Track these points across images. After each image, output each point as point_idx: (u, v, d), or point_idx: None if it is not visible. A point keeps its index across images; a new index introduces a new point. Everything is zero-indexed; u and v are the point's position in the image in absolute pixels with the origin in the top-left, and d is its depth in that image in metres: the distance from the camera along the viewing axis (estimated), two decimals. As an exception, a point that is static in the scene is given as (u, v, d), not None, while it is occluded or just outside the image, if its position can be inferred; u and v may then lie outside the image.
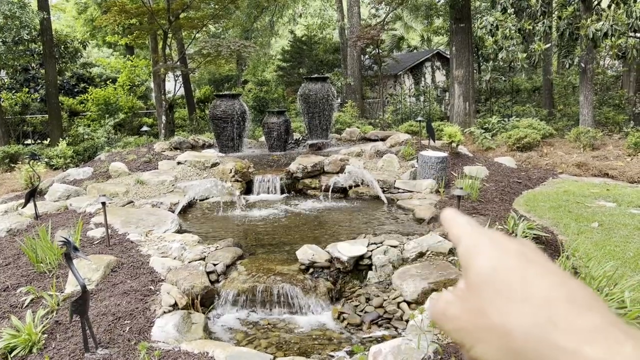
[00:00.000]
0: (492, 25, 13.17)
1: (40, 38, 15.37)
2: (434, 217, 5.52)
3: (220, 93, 9.96)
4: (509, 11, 13.46)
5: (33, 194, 6.25)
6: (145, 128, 9.66)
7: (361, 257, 4.62)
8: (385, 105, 19.97)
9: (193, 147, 10.67)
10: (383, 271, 4.54)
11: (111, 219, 5.90)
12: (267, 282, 4.29)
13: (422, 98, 23.26)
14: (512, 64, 13.68)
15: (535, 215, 6.34)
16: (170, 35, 15.20)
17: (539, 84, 23.57)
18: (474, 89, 16.82)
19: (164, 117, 15.59)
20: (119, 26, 17.09)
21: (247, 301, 4.24)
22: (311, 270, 4.50)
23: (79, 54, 22.21)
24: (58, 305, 4.03)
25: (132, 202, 6.80)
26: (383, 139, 10.58)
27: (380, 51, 18.44)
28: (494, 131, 12.68)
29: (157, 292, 4.14)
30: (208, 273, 4.45)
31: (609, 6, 11.36)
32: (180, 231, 5.80)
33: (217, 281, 4.44)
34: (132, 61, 20.65)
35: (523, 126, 11.95)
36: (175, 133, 15.34)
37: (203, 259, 4.68)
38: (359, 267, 4.64)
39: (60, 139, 9.65)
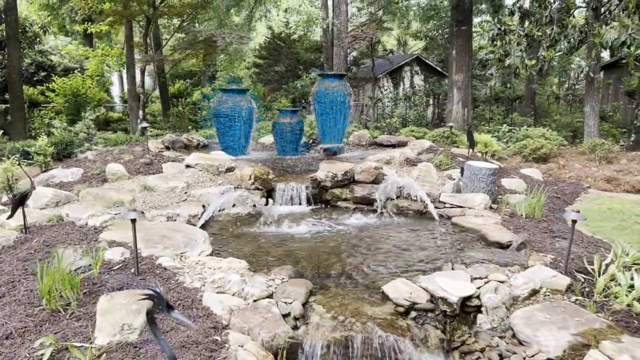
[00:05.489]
0: (499, 29, 12.64)
1: (3, 18, 13.66)
2: (523, 243, 4.69)
3: (227, 87, 8.80)
4: (515, 16, 13.00)
5: (23, 201, 5.02)
6: (144, 124, 8.37)
7: (469, 297, 3.73)
8: (374, 108, 19.23)
9: (187, 147, 9.53)
10: (496, 314, 3.67)
11: (126, 235, 4.78)
12: (363, 331, 3.34)
13: (400, 103, 22.61)
14: (517, 70, 13.18)
15: (605, 237, 5.67)
16: (152, 23, 13.85)
17: (520, 92, 23.46)
18: (472, 94, 16.30)
19: (140, 112, 14.18)
20: (90, 10, 15.45)
21: (340, 356, 3.27)
22: (413, 313, 3.58)
23: (38, 39, 20.29)
24: (94, 364, 2.94)
25: (142, 212, 5.65)
26: (397, 145, 9.76)
27: (372, 51, 17.70)
28: (505, 140, 12.10)
29: (226, 345, 3.11)
30: (283, 316, 3.45)
31: (627, 15, 10.96)
32: (213, 253, 4.76)
33: (296, 327, 3.45)
34: (103, 50, 18.99)
35: (536, 136, 11.39)
36: (149, 130, 13.97)
37: (270, 295, 3.67)
38: (465, 308, 3.75)
39: (42, 134, 8.27)
